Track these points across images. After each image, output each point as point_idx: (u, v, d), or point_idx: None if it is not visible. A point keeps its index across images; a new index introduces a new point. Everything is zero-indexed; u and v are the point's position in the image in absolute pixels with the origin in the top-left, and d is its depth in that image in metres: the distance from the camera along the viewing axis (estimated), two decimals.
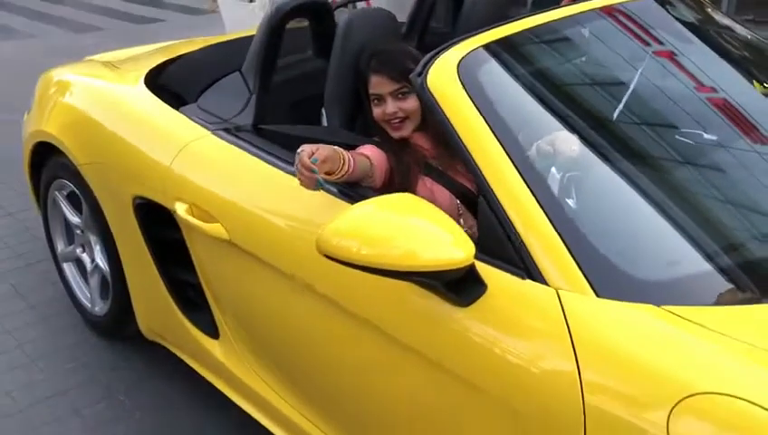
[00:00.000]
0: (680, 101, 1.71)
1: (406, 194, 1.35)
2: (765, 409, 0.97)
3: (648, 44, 1.86)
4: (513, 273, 1.27)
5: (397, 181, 1.75)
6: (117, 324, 2.50)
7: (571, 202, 1.36)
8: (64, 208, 2.57)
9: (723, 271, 1.25)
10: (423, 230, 1.23)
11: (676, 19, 2.01)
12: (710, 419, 1.01)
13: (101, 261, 2.45)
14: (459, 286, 1.27)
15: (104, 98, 2.30)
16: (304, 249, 1.57)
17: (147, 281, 2.19)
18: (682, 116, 1.66)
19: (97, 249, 2.48)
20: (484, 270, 1.29)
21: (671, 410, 1.03)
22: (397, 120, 1.83)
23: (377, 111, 1.87)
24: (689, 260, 1.27)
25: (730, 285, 1.24)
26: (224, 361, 2.02)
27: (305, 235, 1.56)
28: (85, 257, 2.59)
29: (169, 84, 2.32)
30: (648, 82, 1.71)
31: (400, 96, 1.82)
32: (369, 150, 1.80)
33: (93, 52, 3.01)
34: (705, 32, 2.01)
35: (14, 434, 2.16)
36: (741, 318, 1.14)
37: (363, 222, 1.25)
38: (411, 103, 1.83)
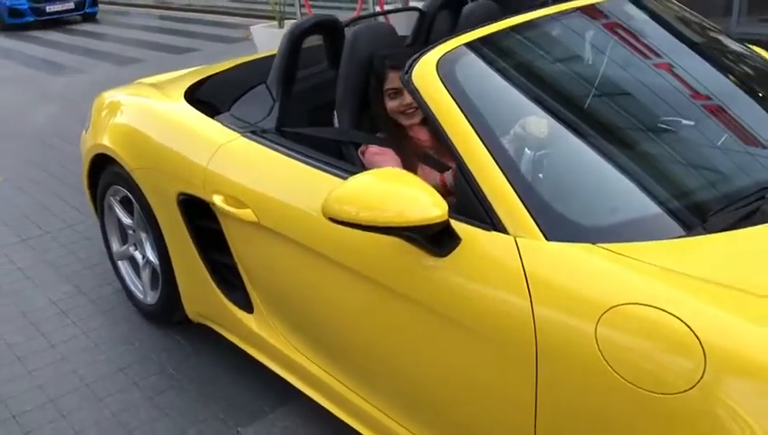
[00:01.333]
0: (639, 87, 2.00)
1: (393, 168, 1.66)
2: (668, 312, 1.25)
3: (616, 37, 2.15)
4: (481, 227, 1.57)
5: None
6: (166, 311, 2.85)
7: (529, 171, 1.65)
8: (118, 212, 2.95)
9: (649, 216, 1.53)
10: (407, 195, 1.53)
11: (644, 17, 2.30)
12: (626, 325, 1.29)
13: (152, 255, 2.81)
14: (439, 240, 1.57)
15: (151, 112, 2.67)
16: (319, 225, 1.89)
17: (190, 267, 2.53)
18: (637, 100, 1.95)
19: (147, 245, 2.84)
20: (460, 227, 1.58)
21: (598, 320, 1.31)
22: (411, 110, 2.16)
23: (393, 104, 2.20)
24: (624, 208, 1.55)
25: (655, 226, 1.50)
26: (258, 331, 2.35)
27: (314, 211, 1.88)
28: (137, 254, 2.96)
29: (206, 98, 2.68)
30: (608, 70, 2.00)
31: None
32: (388, 158, 2.13)
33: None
34: (665, 24, 2.28)
35: (82, 403, 2.51)
36: (656, 250, 1.41)
37: (360, 190, 1.56)
38: None
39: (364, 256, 1.76)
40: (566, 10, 2.14)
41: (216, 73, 2.95)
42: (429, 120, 1.75)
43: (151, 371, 2.67)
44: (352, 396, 2.01)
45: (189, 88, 2.74)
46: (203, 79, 2.88)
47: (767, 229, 1.46)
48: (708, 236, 1.45)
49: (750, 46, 2.40)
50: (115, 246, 3.10)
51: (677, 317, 1.23)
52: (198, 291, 2.58)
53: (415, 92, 1.76)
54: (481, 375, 1.54)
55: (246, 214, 2.13)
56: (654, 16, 2.27)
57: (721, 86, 2.09)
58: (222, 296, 2.46)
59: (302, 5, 7.40)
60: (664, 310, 1.25)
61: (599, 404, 1.31)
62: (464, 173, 1.63)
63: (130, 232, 2.96)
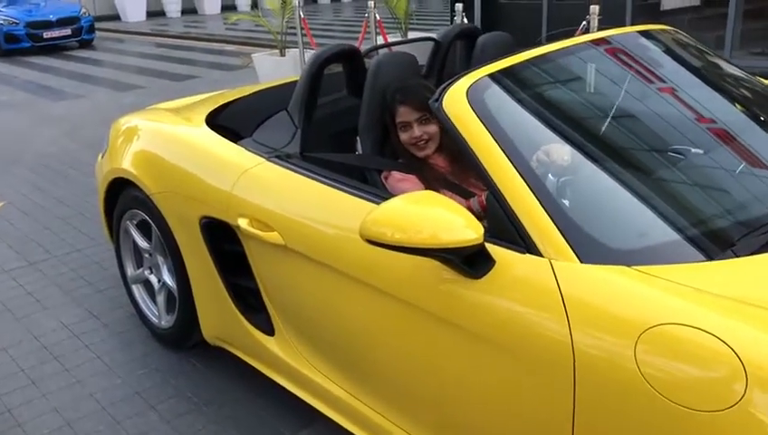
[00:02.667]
0: (653, 116, 2.06)
1: (426, 191, 1.71)
2: (706, 332, 1.29)
3: (628, 68, 2.22)
4: (515, 250, 1.61)
5: None
6: (183, 334, 2.86)
7: (562, 196, 1.70)
8: (135, 235, 2.97)
9: (678, 240, 1.58)
10: (441, 217, 1.57)
11: (656, 49, 2.37)
12: (666, 345, 1.33)
13: (169, 279, 2.83)
14: (474, 262, 1.61)
15: (172, 137, 2.71)
16: (347, 247, 1.93)
17: (211, 290, 2.56)
18: (653, 128, 2.01)
19: (164, 269, 2.86)
20: (494, 250, 1.63)
21: (637, 340, 1.35)
22: (422, 142, 2.22)
23: (404, 136, 2.26)
24: (653, 232, 1.60)
25: (684, 250, 1.55)
26: (279, 354, 2.37)
27: (347, 235, 1.92)
28: (153, 278, 2.98)
29: (227, 123, 2.73)
30: (624, 100, 2.06)
31: (423, 122, 2.22)
32: (411, 184, 2.18)
33: (136, 107, 3.48)
34: (679, 58, 2.36)
35: (100, 426, 2.51)
36: (690, 271, 1.46)
37: (395, 213, 1.60)
38: (432, 128, 2.23)
39: (398, 277, 1.79)
40: (581, 43, 2.21)
41: (236, 99, 3.01)
42: (460, 146, 1.80)
43: (168, 394, 2.67)
44: (381, 420, 2.02)
45: (210, 113, 2.79)
46: (223, 105, 2.93)
47: None
48: (737, 259, 1.50)
49: (760, 79, 2.48)
50: (130, 269, 3.11)
51: (716, 336, 1.27)
52: (218, 314, 2.59)
53: (446, 120, 1.81)
54: (519, 397, 1.57)
55: (273, 237, 2.16)
56: (667, 50, 2.35)
57: (734, 116, 2.17)
58: (243, 319, 2.48)
59: (303, 35, 7.51)
60: (702, 329, 1.29)
61: (639, 424, 1.35)
62: (496, 197, 1.68)
63: (147, 256, 2.98)
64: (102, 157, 3.12)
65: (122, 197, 2.94)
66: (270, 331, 2.40)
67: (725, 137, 2.05)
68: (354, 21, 17.13)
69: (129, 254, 3.09)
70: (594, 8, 5.26)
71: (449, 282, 1.67)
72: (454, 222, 1.56)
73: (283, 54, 7.54)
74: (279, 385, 2.42)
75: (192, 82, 9.36)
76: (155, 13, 19.54)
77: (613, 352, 1.38)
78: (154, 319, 3.02)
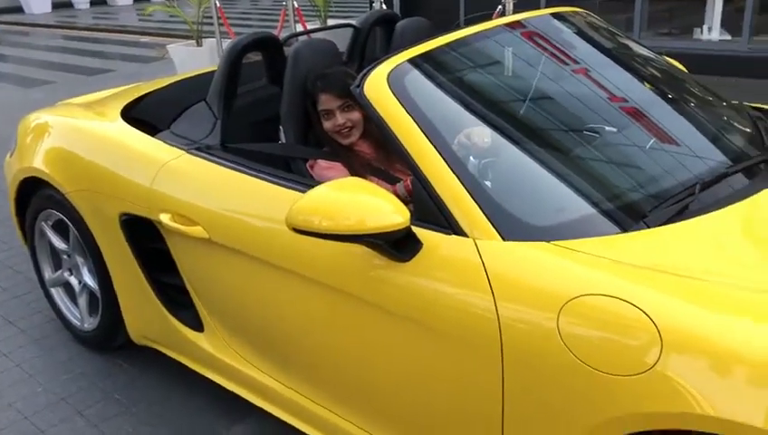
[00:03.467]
0: (568, 96, 2.13)
1: (352, 177, 1.71)
2: (623, 300, 1.35)
3: (551, 52, 2.28)
4: (441, 232, 1.64)
5: None
6: (107, 336, 2.77)
7: (483, 178, 1.74)
8: (51, 237, 2.85)
9: (594, 214, 1.64)
10: (368, 203, 1.58)
11: (568, 31, 2.44)
12: (586, 315, 1.38)
13: (90, 280, 2.73)
14: (401, 246, 1.63)
15: (87, 132, 2.61)
16: (274, 238, 1.92)
17: (135, 289, 2.48)
18: (568, 108, 2.07)
19: (84, 270, 2.76)
20: (420, 233, 1.64)
21: (559, 312, 1.40)
22: (346, 129, 2.22)
23: (327, 124, 2.25)
24: (570, 208, 1.66)
25: (601, 224, 1.61)
26: (209, 349, 2.33)
27: (274, 226, 1.90)
28: (73, 280, 2.87)
29: (143, 116, 2.64)
30: (540, 81, 2.12)
31: (346, 109, 2.21)
32: (337, 172, 2.17)
33: (46, 103, 3.33)
34: (590, 39, 2.43)
35: (25, 429, 2.41)
36: (605, 244, 1.52)
37: (321, 200, 1.60)
38: (356, 115, 2.23)
39: (326, 265, 1.79)
40: (497, 27, 2.25)
41: (152, 92, 2.91)
42: (383, 131, 1.81)
43: (95, 397, 2.58)
44: (315, 407, 2.03)
45: (125, 106, 2.69)
46: (138, 98, 2.83)
47: (699, 222, 1.59)
48: (650, 230, 1.57)
49: (667, 59, 2.59)
50: (47, 272, 2.99)
51: (632, 304, 1.33)
52: (143, 313, 2.53)
53: (368, 105, 1.81)
54: (450, 373, 1.60)
55: (197, 231, 2.12)
56: (579, 32, 2.42)
57: (643, 94, 2.25)
58: (170, 317, 2.42)
59: (220, 24, 7.35)
60: (620, 298, 1.35)
61: (563, 392, 1.40)
62: (420, 180, 1.70)
63: (65, 257, 2.86)
64: (11, 156, 2.97)
65: (35, 197, 2.81)
66: (198, 327, 2.36)
67: (636, 114, 2.13)
68: (272, 10, 16.85)
69: (46, 256, 2.96)
70: None
71: (378, 267, 1.68)
72: (380, 207, 1.57)
73: (199, 44, 7.36)
74: (210, 381, 2.39)
75: (105, 76, 9.01)
76: (61, 4, 18.65)
77: (537, 324, 1.43)
78: (76, 322, 2.91)
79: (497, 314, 1.49)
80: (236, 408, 2.40)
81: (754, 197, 1.68)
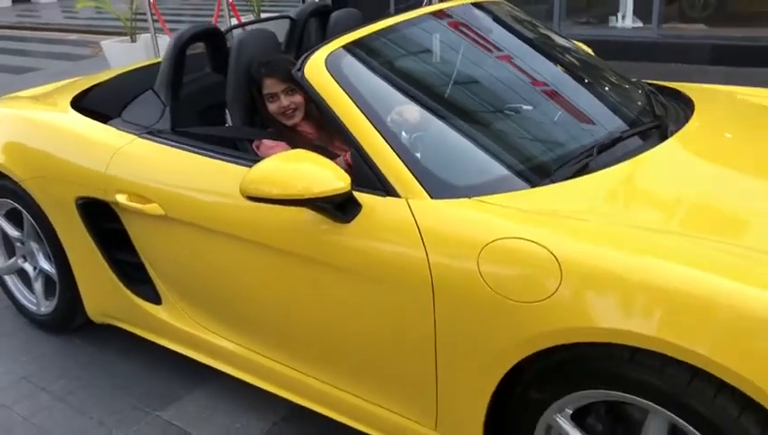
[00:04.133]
0: (488, 76, 2.39)
1: (297, 150, 1.92)
2: (530, 241, 1.60)
3: (470, 37, 2.53)
4: (378, 195, 1.87)
5: None
6: (65, 318, 2.90)
7: (420, 155, 1.97)
8: (4, 225, 2.95)
9: (509, 175, 1.90)
10: (312, 171, 1.80)
11: (488, 18, 2.71)
12: (499, 254, 1.63)
13: (46, 264, 2.86)
14: (343, 208, 1.85)
15: (39, 123, 2.73)
16: (226, 209, 2.11)
17: (93, 269, 2.63)
18: (487, 86, 2.34)
19: (40, 255, 2.88)
20: (360, 196, 1.87)
21: (479, 254, 1.65)
22: (290, 111, 2.42)
23: (273, 107, 2.45)
24: (488, 170, 1.92)
25: (514, 181, 1.88)
26: (168, 320, 2.50)
27: (225, 198, 2.10)
28: (27, 266, 2.98)
29: (93, 106, 2.78)
30: (462, 64, 2.38)
31: (289, 92, 2.41)
32: (282, 150, 2.36)
33: None
34: (508, 27, 2.70)
35: (6, 390, 2.53)
36: (517, 198, 1.78)
37: (270, 171, 1.81)
38: (298, 98, 2.44)
39: (275, 230, 2.00)
40: (423, 15, 2.50)
41: (99, 83, 3.05)
42: (322, 111, 2.03)
43: (57, 374, 2.72)
44: (270, 363, 2.23)
45: (75, 97, 2.83)
46: (87, 89, 2.97)
47: (595, 177, 1.87)
48: (555, 185, 1.84)
49: (576, 43, 2.89)
50: (0, 261, 3.08)
51: (538, 243, 1.59)
52: (102, 291, 2.67)
53: (309, 87, 2.03)
54: (390, 315, 1.83)
55: (153, 208, 2.29)
56: (497, 20, 2.69)
57: (554, 73, 2.54)
58: (128, 292, 2.58)
59: (155, 21, 7.38)
60: (527, 239, 1.61)
61: (484, 319, 1.64)
62: (359, 151, 1.92)
63: (18, 245, 2.97)
64: None
65: None
66: (156, 299, 2.53)
67: (546, 90, 2.41)
68: (203, 5, 16.75)
69: None
70: None
71: (323, 228, 1.90)
72: (324, 174, 1.79)
73: (134, 40, 7.37)
74: (170, 353, 2.56)
75: (34, 75, 8.88)
76: None
77: (461, 267, 1.67)
78: (32, 307, 3.02)
79: (428, 261, 1.73)
80: (197, 373, 2.58)
81: (642, 155, 1.98)
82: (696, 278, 1.42)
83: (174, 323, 2.49)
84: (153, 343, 2.62)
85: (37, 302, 2.99)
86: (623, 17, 7.66)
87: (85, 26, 13.35)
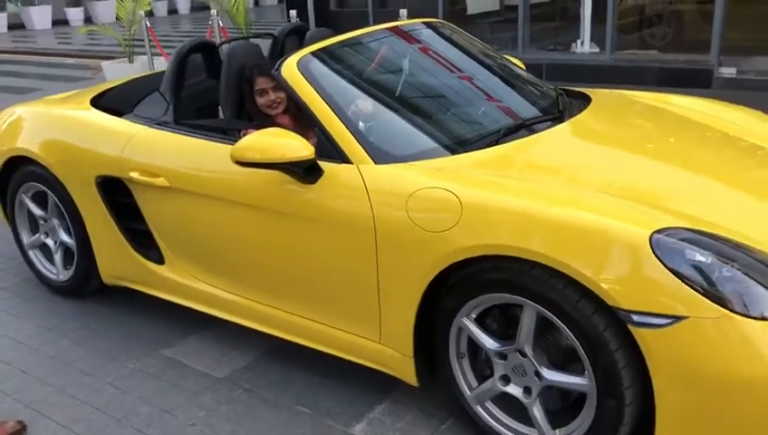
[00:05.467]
0: (429, 77, 3.02)
1: (276, 128, 2.51)
2: (442, 188, 2.20)
3: (416, 47, 3.16)
4: (336, 162, 2.46)
5: None
6: (82, 283, 3.45)
7: (368, 133, 2.57)
8: (30, 205, 3.52)
9: (437, 147, 2.51)
10: (287, 142, 2.39)
11: (433, 34, 3.34)
12: (420, 199, 2.22)
13: (66, 237, 3.42)
14: (310, 172, 2.44)
15: (66, 118, 3.33)
16: (219, 177, 2.70)
17: (108, 237, 3.20)
18: (428, 84, 2.96)
19: (60, 230, 3.45)
20: (322, 164, 2.46)
21: (407, 201, 2.24)
22: (276, 104, 3.02)
23: (261, 100, 3.04)
24: (421, 144, 2.53)
25: (440, 151, 2.48)
26: (170, 276, 3.07)
27: (218, 169, 2.69)
28: (49, 241, 3.55)
29: (110, 105, 3.37)
30: (409, 68, 3.00)
31: (276, 89, 3.01)
32: None
33: None
34: (448, 39, 3.33)
35: (21, 352, 3.07)
36: (440, 162, 2.38)
37: (255, 141, 2.40)
38: (282, 93, 3.03)
39: (256, 191, 2.58)
40: (380, 30, 3.13)
41: (113, 87, 3.66)
42: (296, 102, 2.63)
43: (75, 326, 3.27)
44: (252, 304, 2.80)
45: (94, 98, 3.43)
46: (103, 92, 3.57)
47: (500, 147, 2.48)
48: (469, 153, 2.45)
49: (505, 56, 3.52)
50: (25, 237, 3.64)
51: (447, 190, 2.18)
52: (115, 256, 3.24)
53: (285, 83, 2.63)
54: (344, 256, 2.40)
55: (160, 181, 2.88)
56: (440, 34, 3.32)
57: (483, 76, 3.16)
58: (137, 255, 3.15)
59: (152, 45, 8.01)
60: (439, 187, 2.21)
61: (411, 249, 2.23)
62: (322, 131, 2.52)
63: (42, 222, 3.54)
64: None
65: (17, 174, 3.48)
66: (160, 260, 3.10)
67: (476, 87, 3.05)
68: (192, 32, 17.45)
69: (25, 223, 3.63)
70: (403, 12, 6.40)
71: (294, 189, 2.48)
72: (295, 144, 2.38)
73: (131, 61, 7.99)
74: (171, 305, 3.12)
75: (35, 95, 9.43)
76: None
77: (394, 211, 2.26)
78: (52, 276, 3.57)
79: (372, 211, 2.32)
80: (192, 321, 3.14)
81: (538, 134, 2.61)
82: (558, 210, 2.01)
83: (174, 279, 3.06)
84: (157, 299, 3.18)
85: (57, 271, 3.55)
86: (582, 43, 8.38)
87: (80, 51, 13.97)
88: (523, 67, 3.63)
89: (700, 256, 1.88)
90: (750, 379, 1.80)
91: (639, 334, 1.88)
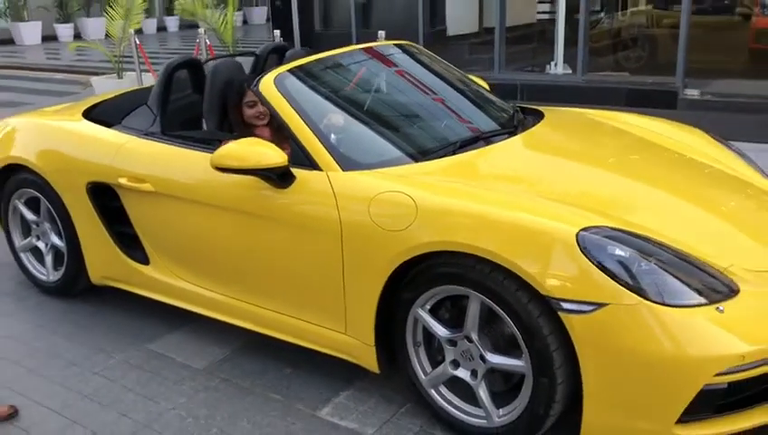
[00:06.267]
0: (397, 92, 3.30)
1: (252, 138, 2.77)
2: (400, 192, 2.46)
3: (387, 66, 3.44)
4: (307, 169, 2.72)
5: None
6: (70, 284, 3.67)
7: (337, 143, 2.83)
8: (23, 210, 3.75)
9: (401, 155, 2.77)
10: (262, 151, 2.64)
11: (401, 54, 3.62)
12: (381, 202, 2.48)
13: (57, 240, 3.65)
14: (283, 178, 2.70)
15: (59, 128, 3.58)
16: (201, 183, 2.94)
17: (97, 240, 3.43)
18: (395, 99, 3.24)
19: (52, 234, 3.67)
20: (295, 171, 2.71)
21: (369, 204, 2.50)
22: (262, 115, 3.27)
23: (251, 112, 3.29)
24: (385, 154, 2.79)
25: (403, 159, 2.75)
26: (154, 276, 3.30)
27: (200, 175, 2.93)
28: (40, 244, 3.77)
29: (100, 117, 3.62)
30: (378, 85, 3.27)
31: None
32: None
33: None
34: (416, 59, 3.62)
35: (15, 344, 3.29)
36: (403, 169, 2.65)
37: (233, 150, 2.66)
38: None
39: (234, 196, 2.83)
40: (354, 50, 3.41)
41: (103, 101, 3.91)
42: (272, 114, 2.89)
43: (64, 323, 3.49)
44: (229, 300, 3.04)
45: (86, 110, 3.68)
46: (94, 104, 3.82)
47: (457, 157, 2.76)
48: (428, 162, 2.72)
49: (470, 76, 3.81)
50: (18, 241, 3.87)
51: (405, 193, 2.44)
52: (103, 258, 3.47)
53: (262, 97, 2.89)
54: (313, 255, 2.65)
55: (146, 187, 3.12)
56: (409, 54, 3.61)
57: (446, 92, 3.45)
58: (124, 257, 3.39)
59: (141, 62, 8.28)
60: (398, 191, 2.47)
61: (373, 246, 2.48)
62: (295, 141, 2.78)
63: (34, 226, 3.76)
64: None
65: (11, 181, 3.71)
66: (145, 261, 3.33)
67: (439, 103, 3.33)
68: (179, 50, 17.73)
69: (17, 228, 3.85)
70: (381, 33, 6.74)
71: (268, 194, 2.73)
72: (270, 152, 2.64)
73: (120, 77, 8.25)
74: (155, 303, 3.35)
75: (26, 109, 9.65)
76: None
77: (358, 214, 2.51)
78: (43, 277, 3.79)
79: (339, 213, 2.57)
80: (175, 318, 3.37)
81: (492, 146, 2.89)
82: (500, 211, 2.28)
83: (158, 278, 3.29)
84: (142, 297, 3.41)
85: (47, 272, 3.77)
86: (555, 65, 8.73)
87: (69, 66, 14.21)
88: (487, 87, 3.92)
89: (620, 251, 2.15)
90: (662, 357, 2.06)
91: (568, 320, 2.14)
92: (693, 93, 7.60)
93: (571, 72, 8.59)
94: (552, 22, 9.15)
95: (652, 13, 11.07)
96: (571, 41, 8.55)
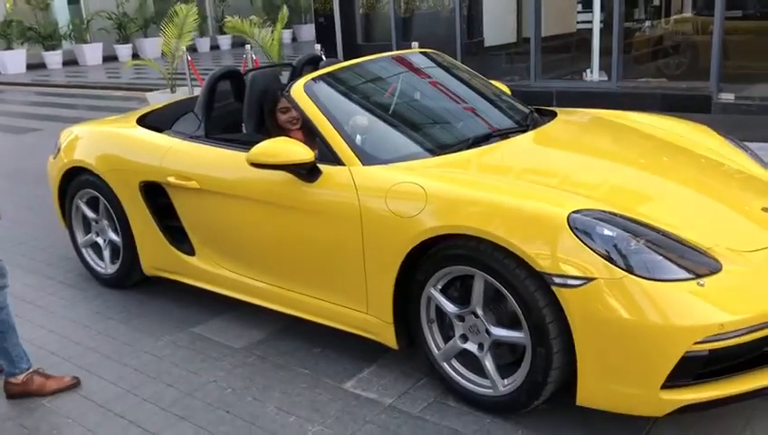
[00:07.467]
0: (423, 97, 3.58)
1: (284, 137, 3.09)
2: (413, 183, 2.73)
3: (408, 70, 3.73)
4: (332, 165, 3.01)
5: None
6: (125, 276, 4.05)
7: (359, 141, 3.12)
8: (85, 209, 4.15)
9: (420, 151, 3.05)
10: (293, 148, 2.95)
11: (428, 60, 3.90)
12: (397, 191, 2.75)
13: (114, 236, 4.03)
14: (310, 173, 3.00)
15: (116, 133, 3.98)
16: (237, 179, 3.27)
17: (149, 234, 3.80)
18: (421, 103, 3.52)
19: (109, 230, 4.06)
20: (321, 166, 3.01)
21: (386, 194, 2.77)
22: (295, 120, 3.60)
23: (284, 117, 3.62)
24: (405, 150, 3.07)
25: (421, 153, 3.02)
26: (199, 265, 3.64)
27: (240, 173, 3.26)
28: (99, 240, 4.17)
29: (152, 123, 4.01)
30: (404, 89, 3.56)
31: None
32: None
33: (39, 146, 4.65)
34: (441, 66, 3.89)
35: (77, 330, 3.67)
36: (420, 162, 2.92)
37: (267, 147, 2.97)
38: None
39: (269, 190, 3.15)
40: (384, 57, 3.71)
41: (155, 109, 4.31)
42: (302, 117, 3.21)
43: (119, 310, 3.86)
44: (266, 286, 3.35)
45: (139, 118, 4.07)
46: (146, 113, 4.22)
47: (472, 151, 3.02)
48: (447, 155, 2.99)
49: (490, 81, 4.06)
50: (80, 237, 4.27)
51: (416, 184, 2.71)
52: (154, 250, 3.83)
53: (292, 102, 3.21)
54: (338, 241, 2.93)
55: (192, 184, 3.47)
56: (435, 61, 3.89)
57: (467, 94, 3.71)
58: (172, 249, 3.74)
59: (192, 77, 8.79)
60: (411, 182, 2.74)
61: (389, 231, 2.75)
62: (322, 140, 3.08)
63: (94, 223, 4.16)
64: (54, 158, 4.28)
65: (74, 181, 4.12)
66: (192, 252, 3.68)
67: (457, 103, 3.59)
68: (232, 65, 18.39)
69: (80, 225, 4.26)
70: (415, 44, 7.03)
71: (298, 187, 3.03)
72: (300, 150, 2.95)
73: (173, 92, 8.77)
74: (201, 291, 3.68)
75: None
76: (35, 65, 19.97)
77: (376, 203, 2.79)
78: (101, 270, 4.19)
79: (359, 203, 2.85)
80: (218, 305, 3.70)
81: (505, 141, 3.14)
82: (502, 197, 2.53)
83: (203, 267, 3.63)
84: (188, 286, 3.75)
85: (105, 266, 4.16)
86: (591, 72, 8.87)
87: (127, 84, 14.97)
88: (508, 91, 4.17)
89: (609, 232, 2.37)
90: (646, 327, 2.27)
91: (560, 293, 2.36)
92: (728, 97, 7.64)
93: (606, 78, 8.71)
94: (591, 31, 9.30)
95: (695, 20, 11.08)
96: (608, 49, 8.68)
